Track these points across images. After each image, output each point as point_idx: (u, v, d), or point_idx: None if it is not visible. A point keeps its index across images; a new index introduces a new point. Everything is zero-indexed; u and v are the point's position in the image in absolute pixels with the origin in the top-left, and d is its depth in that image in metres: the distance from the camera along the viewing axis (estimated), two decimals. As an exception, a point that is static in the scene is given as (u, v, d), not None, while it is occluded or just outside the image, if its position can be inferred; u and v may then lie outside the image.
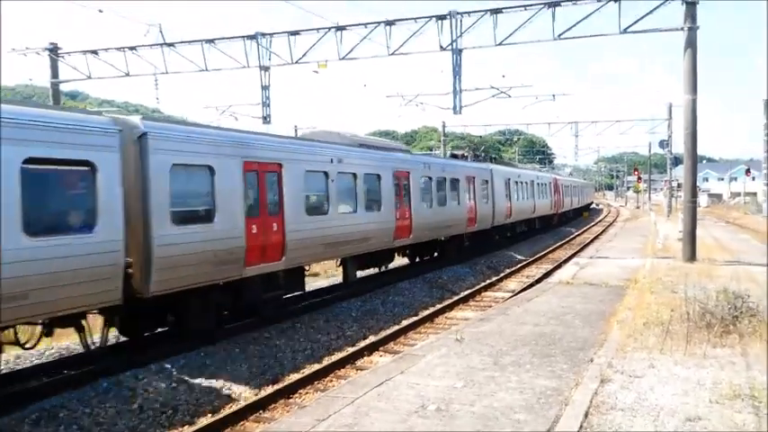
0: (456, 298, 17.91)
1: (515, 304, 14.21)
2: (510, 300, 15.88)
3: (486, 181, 27.87)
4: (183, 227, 10.95)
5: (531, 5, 21.71)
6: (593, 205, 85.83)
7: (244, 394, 10.21)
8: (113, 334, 11.53)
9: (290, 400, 9.81)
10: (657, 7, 20.14)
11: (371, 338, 13.52)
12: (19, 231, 8.27)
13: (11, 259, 8.11)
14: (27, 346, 9.96)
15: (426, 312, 15.97)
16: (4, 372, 10.20)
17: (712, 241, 27.76)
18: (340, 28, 23.89)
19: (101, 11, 38.84)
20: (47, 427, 8.20)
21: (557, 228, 45.22)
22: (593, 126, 50.13)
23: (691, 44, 19.66)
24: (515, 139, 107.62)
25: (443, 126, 52.18)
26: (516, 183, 32.80)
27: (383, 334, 13.73)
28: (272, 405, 9.52)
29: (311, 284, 18.93)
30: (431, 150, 53.60)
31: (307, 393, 10.16)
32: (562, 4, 21.38)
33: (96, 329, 10.64)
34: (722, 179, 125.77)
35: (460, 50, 23.12)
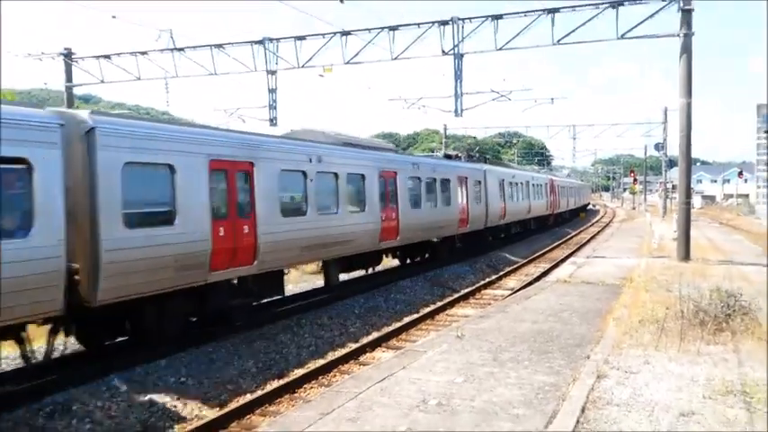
0: (456, 295, 17.89)
1: (514, 302, 14.20)
2: (509, 297, 15.88)
3: (479, 182, 26.89)
4: (137, 230, 9.92)
5: (530, 12, 21.75)
6: (590, 206, 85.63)
7: (250, 389, 10.20)
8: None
9: (295, 395, 9.81)
10: (654, 14, 20.15)
11: (374, 335, 13.51)
12: None
13: None
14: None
15: (427, 309, 15.95)
16: (18, 367, 10.20)
17: (706, 241, 27.70)
18: (345, 33, 23.93)
19: (114, 17, 38.89)
20: (61, 420, 8.21)
21: (553, 228, 44.98)
22: (590, 129, 50.39)
23: (686, 50, 19.64)
24: (515, 142, 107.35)
25: (445, 128, 52.19)
26: (511, 183, 32.01)
27: (385, 330, 13.72)
28: (278, 399, 9.51)
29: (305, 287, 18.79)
30: (432, 152, 53.58)
31: (311, 388, 10.16)
32: (561, 10, 21.39)
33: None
34: (715, 181, 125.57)
35: (462, 55, 23.16)
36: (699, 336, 9.64)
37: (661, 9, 19.94)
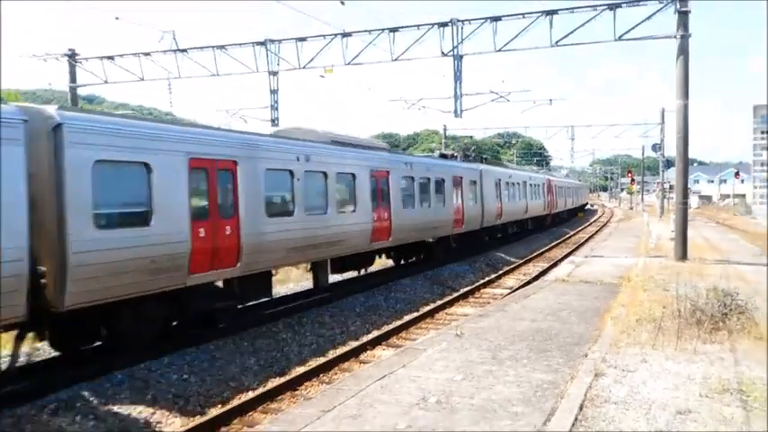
0: (456, 294, 17.89)
1: (513, 301, 14.20)
2: (508, 296, 15.88)
3: (475, 181, 26.30)
4: (109, 231, 9.38)
5: (529, 13, 21.77)
6: (589, 206, 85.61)
7: (252, 386, 10.20)
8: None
9: (297, 392, 9.81)
10: (651, 16, 20.16)
11: (374, 333, 13.50)
12: None
13: None
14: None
15: (427, 308, 15.94)
16: (22, 365, 10.20)
17: (703, 241, 27.70)
18: (346, 34, 23.95)
19: (117, 18, 38.86)
20: (65, 417, 8.21)
21: (551, 228, 44.89)
22: (588, 130, 50.54)
23: (683, 51, 19.64)
24: (514, 142, 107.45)
25: (444, 129, 52.19)
26: (507, 183, 31.48)
27: (386, 329, 13.72)
28: (280, 396, 9.51)
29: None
30: (432, 152, 53.55)
31: (312, 386, 10.16)
32: (559, 12, 21.42)
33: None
34: (712, 181, 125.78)
35: (461, 56, 23.19)
36: (695, 335, 9.64)
37: (658, 11, 19.96)
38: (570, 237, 38.29)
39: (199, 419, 8.50)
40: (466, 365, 8.68)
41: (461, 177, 24.55)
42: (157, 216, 10.16)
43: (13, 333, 9.12)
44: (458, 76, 23.58)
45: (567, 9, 21.43)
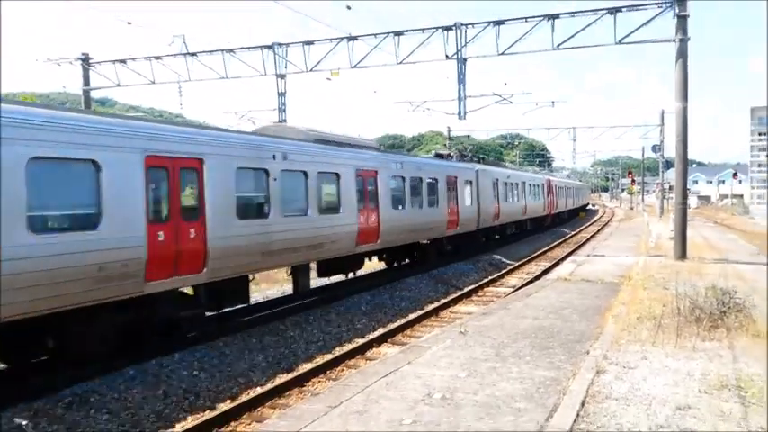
0: (460, 293, 17.87)
1: (516, 299, 14.20)
2: (511, 295, 15.87)
3: (471, 182, 25.18)
4: (48, 235, 8.41)
5: (531, 17, 21.76)
6: (590, 206, 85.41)
7: (260, 382, 10.23)
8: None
9: (304, 388, 9.82)
10: (650, 20, 20.13)
11: (380, 331, 13.51)
12: None
13: None
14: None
15: (432, 306, 15.94)
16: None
17: (702, 240, 27.61)
18: (352, 38, 23.98)
19: (129, 23, 39.09)
20: (79, 411, 8.26)
21: (552, 229, 44.44)
22: (589, 131, 50.36)
23: (682, 55, 19.60)
24: (516, 143, 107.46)
25: (449, 131, 52.14)
26: (506, 183, 30.44)
27: (391, 326, 13.72)
28: (287, 392, 9.53)
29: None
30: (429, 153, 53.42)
31: (319, 382, 10.17)
32: (561, 16, 21.44)
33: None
34: (711, 182, 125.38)
35: (465, 59, 23.19)
36: (695, 332, 9.62)
37: (657, 15, 19.94)
38: (572, 236, 38.20)
39: (209, 414, 8.53)
40: (470, 362, 8.68)
41: (456, 177, 23.48)
42: (107, 219, 9.13)
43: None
44: (461, 79, 23.58)
45: (569, 13, 21.48)
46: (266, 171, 12.78)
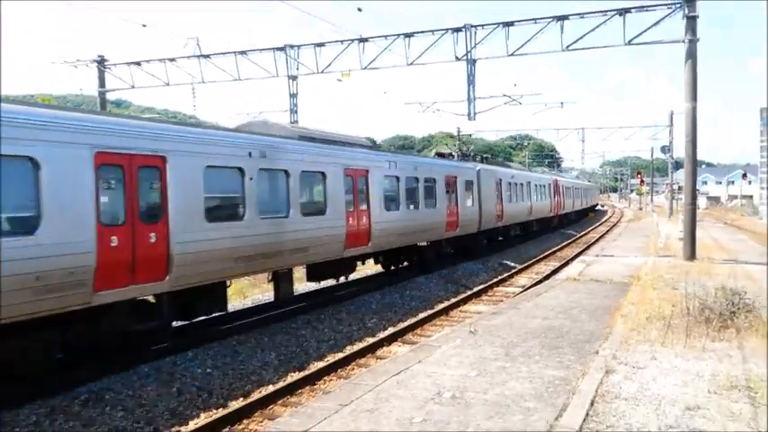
0: (469, 292, 17.82)
1: (525, 299, 14.15)
2: (520, 295, 15.82)
3: (472, 182, 23.97)
4: None
5: (540, 19, 21.72)
6: (599, 207, 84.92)
7: (272, 380, 10.26)
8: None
9: (315, 387, 9.83)
10: (659, 21, 20.05)
11: (390, 330, 13.50)
12: None
13: None
14: None
15: (442, 306, 15.91)
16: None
17: (711, 241, 27.42)
18: (362, 40, 24.04)
19: (144, 26, 39.36)
20: (95, 408, 8.32)
21: (559, 230, 43.40)
22: (598, 132, 50.68)
23: (691, 55, 19.49)
24: (525, 144, 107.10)
25: (458, 131, 52.12)
26: (510, 184, 29.21)
27: (401, 326, 13.70)
28: (299, 390, 9.54)
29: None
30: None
31: (330, 380, 10.18)
32: (570, 17, 21.38)
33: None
34: (720, 182, 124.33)
35: (474, 61, 23.19)
36: (704, 332, 9.55)
37: (666, 16, 19.88)
38: (580, 237, 38.01)
39: (222, 412, 8.56)
40: (480, 362, 8.66)
41: (455, 177, 22.27)
42: (47, 222, 8.13)
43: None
44: (471, 80, 23.58)
45: (578, 14, 21.42)
46: (241, 170, 11.74)
